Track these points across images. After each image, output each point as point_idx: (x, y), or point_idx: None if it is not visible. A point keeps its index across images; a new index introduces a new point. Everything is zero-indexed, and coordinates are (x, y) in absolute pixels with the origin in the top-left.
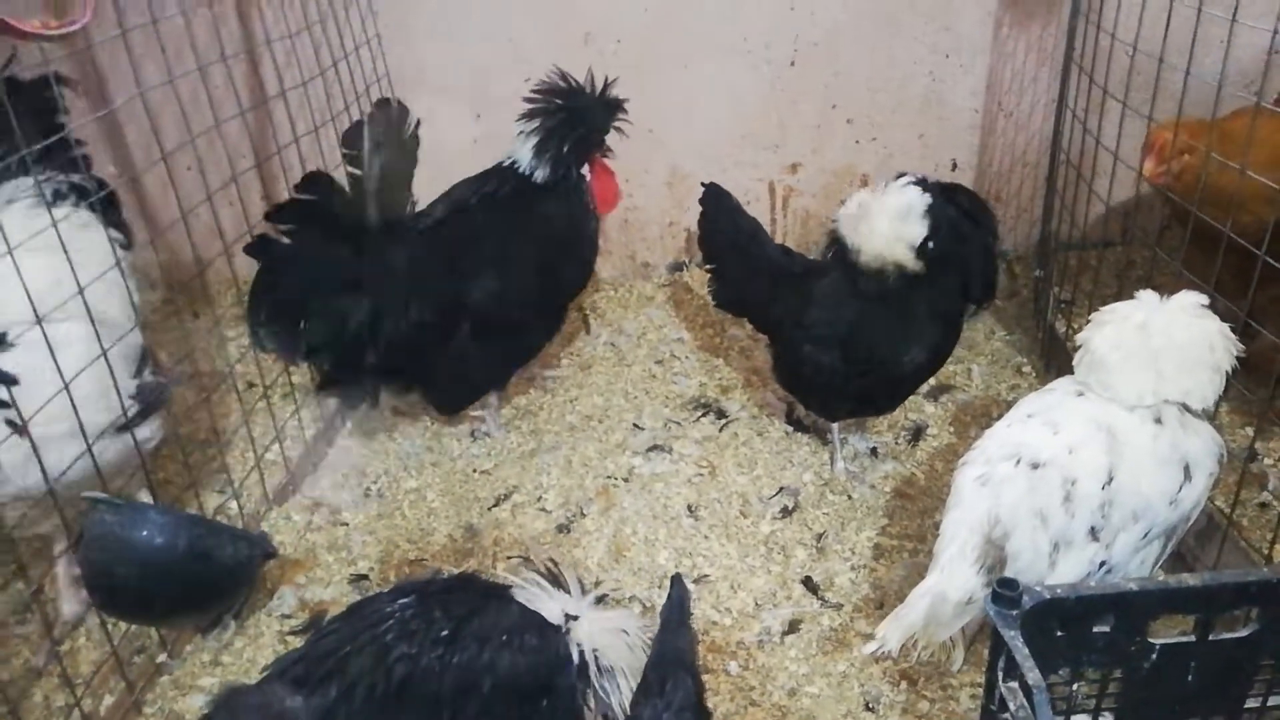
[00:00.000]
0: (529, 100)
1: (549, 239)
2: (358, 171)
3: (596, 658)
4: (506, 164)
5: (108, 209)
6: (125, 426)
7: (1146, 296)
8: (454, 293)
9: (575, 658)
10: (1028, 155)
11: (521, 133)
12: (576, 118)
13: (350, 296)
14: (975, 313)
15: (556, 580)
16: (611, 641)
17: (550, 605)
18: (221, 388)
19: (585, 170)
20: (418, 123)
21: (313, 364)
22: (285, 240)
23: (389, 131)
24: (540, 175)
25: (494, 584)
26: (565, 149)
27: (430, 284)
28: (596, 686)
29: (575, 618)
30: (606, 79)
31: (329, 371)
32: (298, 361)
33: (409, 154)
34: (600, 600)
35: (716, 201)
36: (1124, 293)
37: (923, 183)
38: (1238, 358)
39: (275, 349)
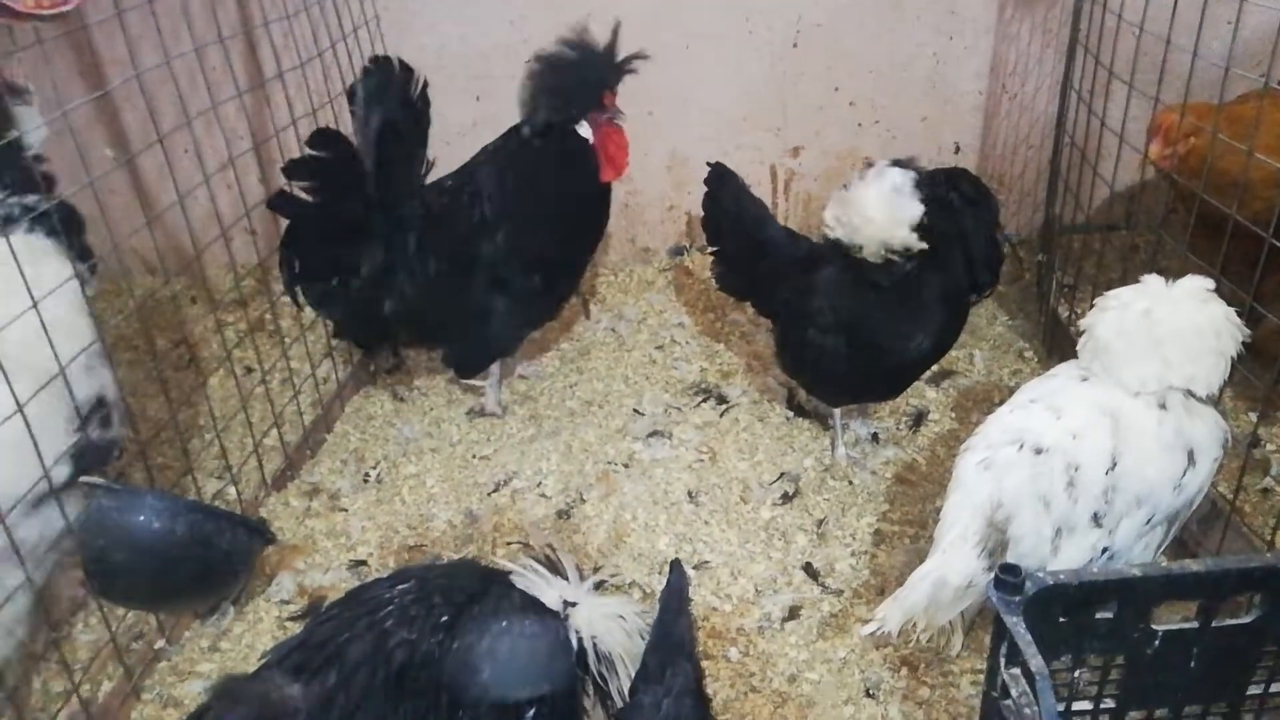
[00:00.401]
0: (532, 63)
1: (546, 200)
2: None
3: (595, 644)
4: (513, 128)
5: (69, 232)
6: (56, 493)
7: (1151, 281)
8: (465, 248)
9: (574, 645)
10: (1031, 138)
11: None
12: (563, 75)
13: (365, 249)
14: (977, 300)
15: (555, 566)
16: (609, 628)
17: (549, 592)
18: (220, 372)
19: (588, 132)
20: (424, 83)
21: (326, 316)
22: (303, 196)
23: (385, 88)
24: (532, 136)
25: (494, 570)
26: (551, 108)
27: (442, 237)
28: (595, 673)
29: (574, 604)
30: (613, 34)
31: (350, 328)
32: (332, 315)
33: (417, 112)
34: (598, 586)
35: (721, 182)
36: (1128, 277)
37: (899, 164)
38: (1243, 343)
39: (309, 303)
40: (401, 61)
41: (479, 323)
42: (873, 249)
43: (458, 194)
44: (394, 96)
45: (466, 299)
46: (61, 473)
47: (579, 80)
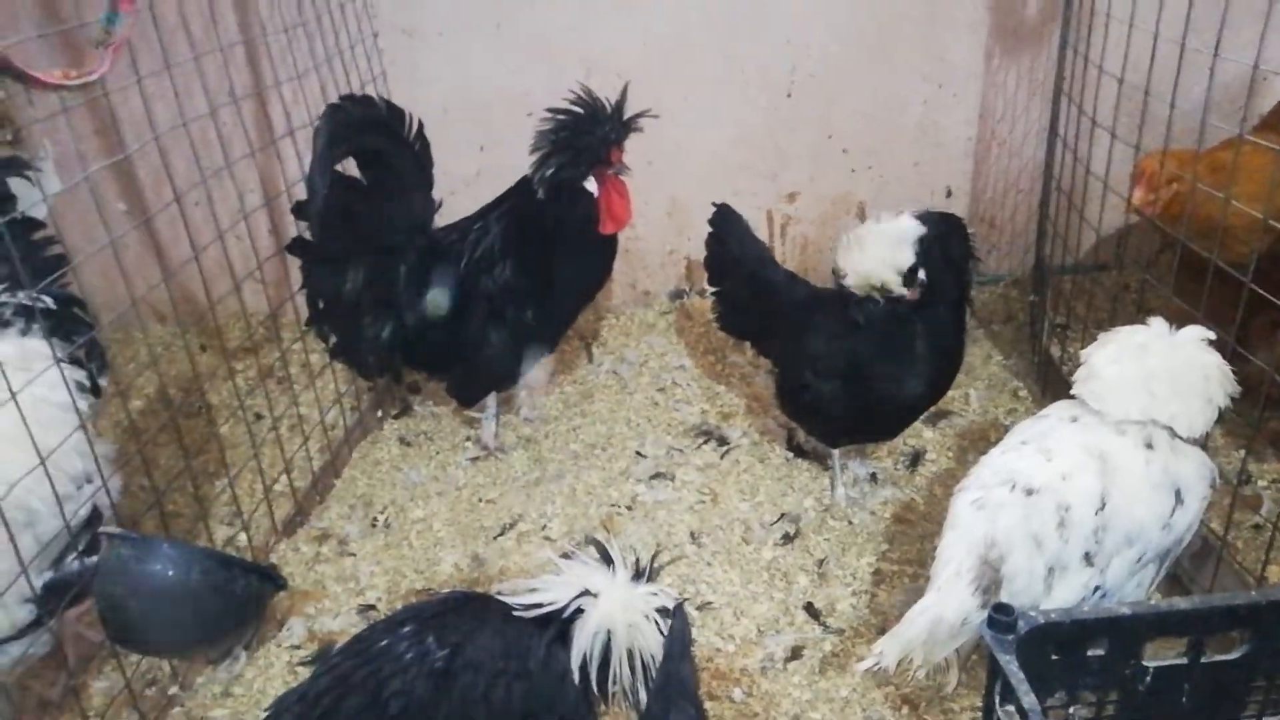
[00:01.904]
0: (542, 120)
1: (550, 250)
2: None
3: (609, 639)
4: (524, 179)
5: (70, 332)
6: (21, 634)
7: (1156, 323)
8: (465, 281)
9: (587, 641)
10: (1021, 182)
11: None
12: (571, 137)
13: (349, 272)
14: None
15: (606, 555)
16: (631, 624)
17: (575, 581)
18: (231, 420)
19: (593, 186)
20: (420, 125)
21: (321, 335)
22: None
23: (342, 124)
24: (541, 192)
25: (494, 600)
26: (557, 168)
27: (444, 268)
28: (596, 670)
29: (594, 595)
30: (621, 97)
31: (347, 350)
32: (327, 335)
33: (414, 152)
34: (646, 575)
35: (726, 222)
36: (1118, 317)
37: (924, 216)
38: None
39: (312, 321)
40: (388, 101)
41: (474, 353)
42: (859, 282)
43: (466, 233)
44: (380, 132)
45: (463, 329)
46: (30, 613)
47: (587, 137)
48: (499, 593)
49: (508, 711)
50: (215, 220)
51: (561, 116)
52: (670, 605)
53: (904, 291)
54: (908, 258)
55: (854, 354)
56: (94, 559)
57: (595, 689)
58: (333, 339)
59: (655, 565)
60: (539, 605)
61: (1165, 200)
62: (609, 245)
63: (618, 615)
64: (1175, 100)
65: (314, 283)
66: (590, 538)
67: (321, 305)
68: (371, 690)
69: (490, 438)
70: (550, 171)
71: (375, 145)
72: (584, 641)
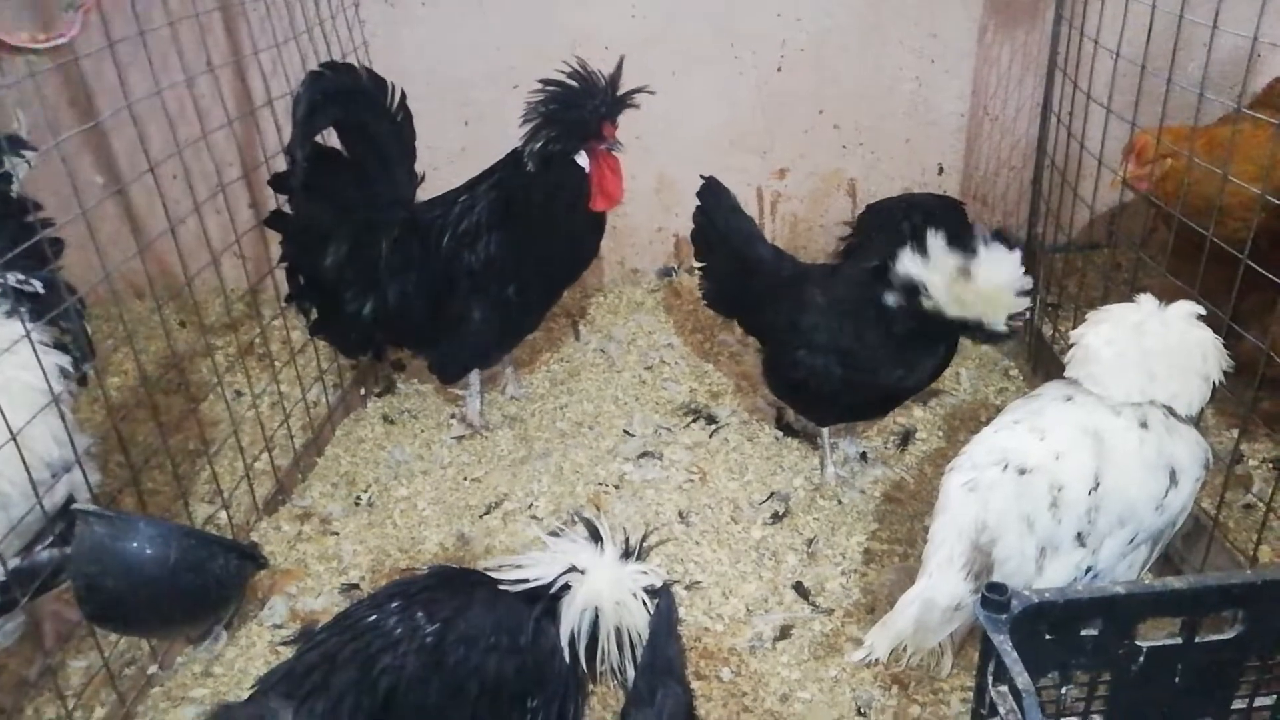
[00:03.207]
0: (533, 91)
1: (538, 224)
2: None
3: (596, 616)
4: (514, 152)
5: (58, 319)
6: None
7: (1145, 300)
8: (448, 256)
9: (575, 619)
10: (1013, 159)
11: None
12: (563, 109)
13: (330, 244)
14: None
15: (594, 533)
16: (618, 601)
17: (563, 557)
18: (210, 397)
19: (584, 161)
20: (403, 95)
21: (301, 311)
22: (288, 211)
23: (323, 92)
24: (530, 165)
25: (480, 575)
26: (547, 140)
27: (427, 243)
28: (584, 648)
29: (582, 572)
30: (615, 71)
31: (327, 326)
32: (308, 311)
33: (396, 123)
34: (635, 554)
35: (713, 196)
36: (1110, 295)
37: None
38: (1224, 372)
39: (292, 296)
40: (371, 70)
41: (456, 329)
42: (960, 311)
43: (450, 207)
44: (362, 102)
45: (445, 304)
46: None
47: (580, 111)
48: (485, 569)
49: (499, 687)
50: (192, 193)
51: (554, 88)
52: (658, 584)
53: (1004, 330)
54: (1024, 303)
55: (848, 330)
56: (66, 550)
57: (584, 666)
58: (313, 314)
59: (644, 544)
60: (525, 580)
61: (1158, 176)
62: (597, 222)
63: (605, 592)
64: (1172, 75)
65: (294, 257)
66: (579, 515)
67: (302, 280)
68: (360, 666)
69: (475, 415)
70: (540, 144)
71: (357, 115)
72: (571, 617)
